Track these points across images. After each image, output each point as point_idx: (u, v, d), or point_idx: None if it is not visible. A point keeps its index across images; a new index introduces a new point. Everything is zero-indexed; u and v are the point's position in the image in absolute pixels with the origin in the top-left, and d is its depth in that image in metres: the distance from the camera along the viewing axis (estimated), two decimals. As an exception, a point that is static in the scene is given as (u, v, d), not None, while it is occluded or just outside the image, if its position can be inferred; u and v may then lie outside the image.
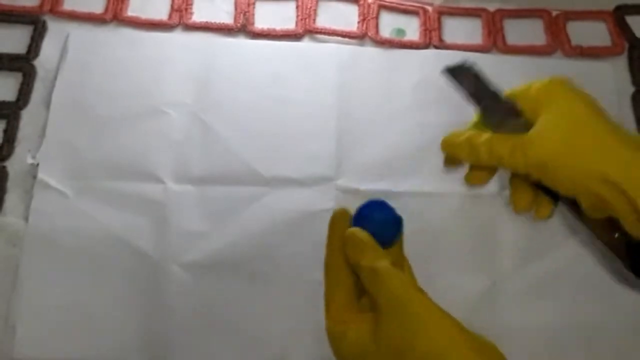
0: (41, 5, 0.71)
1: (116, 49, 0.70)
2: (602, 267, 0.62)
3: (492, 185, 0.63)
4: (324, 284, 0.46)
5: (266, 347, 0.58)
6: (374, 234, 0.45)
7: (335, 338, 0.45)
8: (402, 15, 0.74)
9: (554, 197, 0.47)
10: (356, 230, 0.45)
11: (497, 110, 0.48)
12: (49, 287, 0.59)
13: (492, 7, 0.74)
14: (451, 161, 0.51)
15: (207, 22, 0.72)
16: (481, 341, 0.43)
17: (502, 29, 0.73)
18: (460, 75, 0.49)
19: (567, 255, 0.62)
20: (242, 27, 0.71)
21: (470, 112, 0.68)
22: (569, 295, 0.60)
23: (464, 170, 0.61)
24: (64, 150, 0.64)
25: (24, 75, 0.68)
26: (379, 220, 0.46)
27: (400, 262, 0.47)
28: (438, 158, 0.64)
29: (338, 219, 0.47)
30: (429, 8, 0.74)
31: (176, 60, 0.69)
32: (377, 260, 0.44)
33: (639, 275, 0.51)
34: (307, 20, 0.72)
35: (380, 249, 0.45)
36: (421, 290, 0.43)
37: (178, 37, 0.71)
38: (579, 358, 0.59)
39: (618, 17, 0.73)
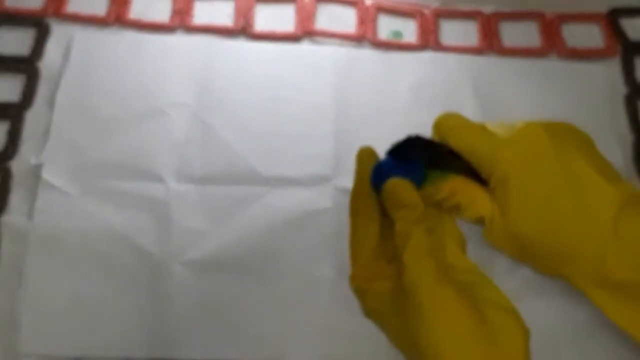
0: (45, 8, 0.71)
1: (119, 50, 0.69)
2: None
3: None
4: (349, 231, 0.45)
5: (266, 344, 0.58)
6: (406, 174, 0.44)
7: (358, 292, 0.44)
8: (400, 17, 0.73)
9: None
10: (397, 184, 0.44)
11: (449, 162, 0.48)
12: (53, 284, 0.59)
13: (488, 10, 0.74)
14: None
15: (208, 24, 0.71)
16: (492, 340, 0.41)
17: (497, 31, 0.72)
18: (405, 151, 0.47)
19: None
20: (243, 30, 0.71)
21: (465, 111, 0.69)
22: (563, 295, 0.60)
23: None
24: (68, 151, 0.64)
25: (28, 77, 0.67)
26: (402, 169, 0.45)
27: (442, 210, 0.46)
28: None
29: (365, 159, 0.46)
30: (426, 11, 0.73)
31: (177, 62, 0.69)
32: (414, 225, 0.42)
33: None
34: (306, 22, 0.72)
35: (419, 205, 0.43)
36: (442, 280, 0.41)
37: (179, 39, 0.71)
38: (574, 354, 0.59)
39: (611, 20, 0.73)
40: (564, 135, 0.46)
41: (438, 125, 0.49)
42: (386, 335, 0.44)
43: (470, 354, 0.39)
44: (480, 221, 0.47)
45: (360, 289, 0.44)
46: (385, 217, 0.45)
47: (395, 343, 0.43)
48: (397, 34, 0.72)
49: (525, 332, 0.41)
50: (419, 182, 0.45)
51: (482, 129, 0.47)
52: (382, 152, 0.47)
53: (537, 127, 0.46)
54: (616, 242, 0.43)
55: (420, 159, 0.46)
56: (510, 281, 0.61)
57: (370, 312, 0.44)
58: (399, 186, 0.44)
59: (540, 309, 0.60)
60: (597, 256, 0.43)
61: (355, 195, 0.46)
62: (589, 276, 0.44)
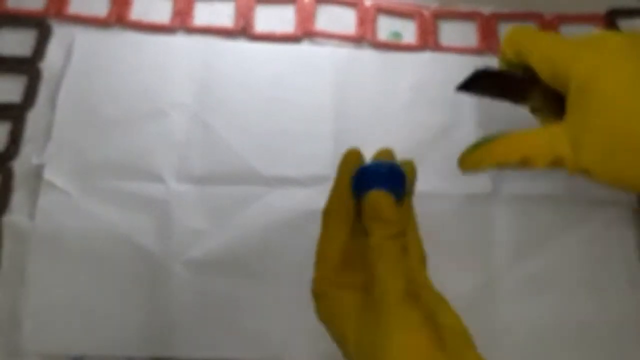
0: (46, 9, 0.71)
1: (120, 51, 0.69)
2: (596, 265, 0.62)
3: (487, 185, 0.64)
4: (320, 231, 0.44)
5: (265, 343, 0.58)
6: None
7: (319, 296, 0.43)
8: (399, 18, 0.73)
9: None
10: (379, 197, 0.42)
11: (533, 93, 0.45)
12: (54, 284, 0.59)
13: (487, 11, 0.74)
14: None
15: (208, 25, 0.71)
16: None
17: (496, 32, 0.72)
18: (475, 86, 0.47)
19: (561, 252, 0.62)
20: (243, 30, 0.71)
21: (464, 111, 0.69)
22: (563, 291, 0.60)
23: (458, 170, 0.60)
24: (69, 151, 0.64)
25: (30, 78, 0.67)
26: (386, 178, 0.44)
27: (410, 226, 0.44)
28: (434, 158, 0.64)
29: (350, 161, 0.45)
30: (426, 12, 0.73)
31: (178, 63, 0.69)
32: (389, 240, 0.41)
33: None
34: (306, 23, 0.71)
35: (398, 222, 0.42)
36: (411, 301, 0.40)
37: (180, 39, 0.71)
38: (573, 352, 0.58)
39: (609, 21, 0.73)
40: None
41: (510, 38, 0.46)
42: (337, 343, 0.43)
43: None
44: (556, 164, 0.44)
45: (321, 293, 0.43)
46: (358, 224, 0.44)
47: (346, 353, 0.42)
48: (397, 34, 0.72)
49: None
50: (401, 194, 0.44)
51: (557, 35, 0.44)
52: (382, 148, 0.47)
53: (616, 34, 0.43)
54: None
55: (491, 93, 0.45)
56: (511, 278, 0.61)
57: (327, 317, 0.43)
58: (381, 199, 0.42)
59: (539, 307, 0.60)
60: None
61: (334, 196, 0.45)
62: None
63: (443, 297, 0.42)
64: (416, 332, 0.39)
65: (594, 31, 0.42)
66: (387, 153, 0.47)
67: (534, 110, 0.54)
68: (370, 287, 0.40)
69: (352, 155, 0.45)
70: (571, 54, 0.42)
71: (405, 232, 0.43)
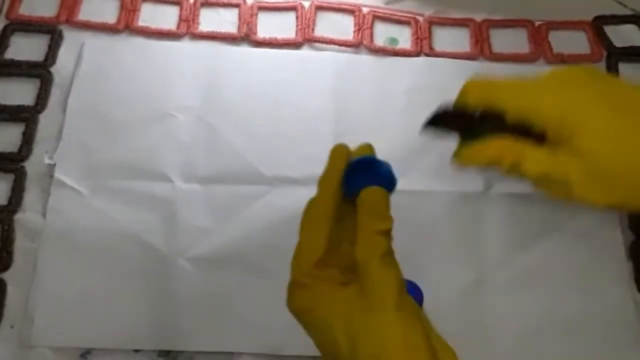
0: (58, 16, 0.71)
1: (128, 56, 0.69)
2: (584, 261, 0.62)
3: (479, 184, 0.64)
4: (301, 224, 0.43)
5: (267, 336, 0.58)
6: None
7: (295, 287, 0.41)
8: (395, 25, 0.73)
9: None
10: (377, 192, 0.41)
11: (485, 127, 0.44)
12: (64, 279, 0.59)
13: (479, 18, 0.74)
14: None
15: (212, 31, 0.72)
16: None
17: (488, 37, 0.73)
18: (440, 122, 0.45)
19: (550, 249, 0.62)
20: (246, 36, 0.71)
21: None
22: (552, 286, 0.60)
23: (451, 170, 0.60)
24: (79, 152, 0.64)
25: (42, 82, 0.68)
26: (381, 174, 0.43)
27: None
28: (428, 158, 0.64)
29: (338, 156, 0.43)
30: (420, 18, 0.73)
31: (184, 67, 0.69)
32: (379, 235, 0.39)
33: None
34: (306, 29, 0.72)
35: (391, 219, 0.40)
36: (403, 300, 0.38)
37: (186, 45, 0.71)
38: (563, 346, 0.58)
39: (597, 27, 0.73)
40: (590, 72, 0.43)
41: (472, 88, 0.45)
42: (313, 337, 0.42)
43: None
44: (543, 177, 0.42)
45: (301, 283, 0.41)
46: (346, 218, 0.42)
47: (322, 349, 0.41)
48: (393, 40, 0.73)
49: None
50: (391, 188, 0.43)
51: (520, 81, 0.43)
52: (379, 150, 0.46)
53: (572, 70, 0.43)
54: None
55: (455, 130, 0.44)
56: (501, 274, 0.61)
57: (303, 308, 0.41)
58: (378, 195, 0.41)
59: (531, 301, 0.60)
60: None
61: (323, 189, 0.43)
62: None
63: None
64: (406, 333, 0.37)
65: (553, 68, 0.43)
66: (368, 148, 0.45)
67: None
68: (363, 281, 0.39)
69: (341, 150, 0.44)
70: (541, 98, 0.42)
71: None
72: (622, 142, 0.40)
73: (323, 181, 0.43)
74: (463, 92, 0.45)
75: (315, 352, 0.56)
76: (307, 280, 0.40)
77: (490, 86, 0.44)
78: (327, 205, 0.42)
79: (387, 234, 0.40)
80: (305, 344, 0.56)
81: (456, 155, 0.44)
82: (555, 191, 0.42)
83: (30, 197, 0.63)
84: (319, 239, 0.41)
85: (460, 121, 0.44)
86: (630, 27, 0.74)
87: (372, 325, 0.37)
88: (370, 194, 0.41)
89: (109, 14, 0.72)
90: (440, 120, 0.45)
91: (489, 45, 0.72)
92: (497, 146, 0.42)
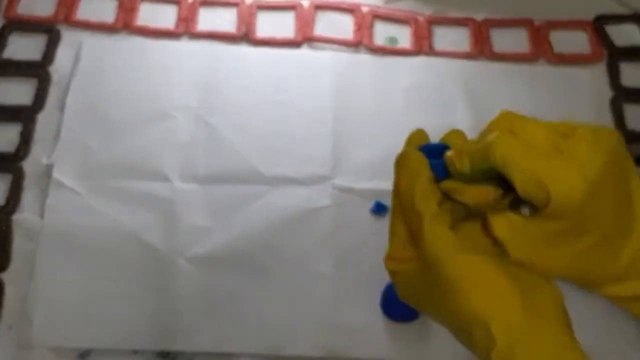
0: (56, 15, 0.72)
1: (126, 56, 0.70)
2: None
3: None
4: (391, 212, 0.42)
5: (267, 335, 0.58)
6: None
7: (391, 272, 0.42)
8: (395, 24, 0.74)
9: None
10: (413, 156, 0.40)
11: None
12: (63, 279, 0.59)
13: (479, 17, 0.74)
14: None
15: (211, 31, 0.72)
16: (535, 298, 0.37)
17: (488, 37, 0.73)
18: None
19: None
20: (245, 36, 0.72)
21: (457, 112, 0.68)
22: None
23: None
24: (77, 151, 0.64)
25: (40, 81, 0.68)
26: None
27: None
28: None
29: (415, 140, 0.43)
30: (420, 18, 0.74)
31: (183, 67, 0.69)
32: (423, 198, 0.39)
33: None
34: (305, 29, 0.72)
35: (434, 187, 0.39)
36: (465, 250, 0.37)
37: (184, 45, 0.71)
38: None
39: (597, 27, 0.74)
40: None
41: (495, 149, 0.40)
42: (426, 312, 0.42)
43: (509, 311, 0.36)
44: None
45: (391, 270, 0.42)
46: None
47: (437, 320, 0.41)
48: (392, 39, 0.73)
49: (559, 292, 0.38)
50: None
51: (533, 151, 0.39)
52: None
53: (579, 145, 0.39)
54: None
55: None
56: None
57: (404, 294, 0.42)
58: (411, 158, 0.41)
59: None
60: None
61: (412, 180, 0.41)
62: None
63: None
64: (479, 274, 0.37)
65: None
66: (420, 134, 0.45)
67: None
68: (421, 249, 0.38)
69: (419, 136, 0.44)
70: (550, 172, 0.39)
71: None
72: None
73: (411, 172, 0.41)
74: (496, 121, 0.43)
75: (314, 352, 0.57)
76: (396, 268, 0.41)
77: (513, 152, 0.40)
78: (415, 198, 0.41)
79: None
80: (305, 343, 0.58)
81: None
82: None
83: (28, 197, 0.63)
84: (400, 227, 0.41)
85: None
86: (631, 27, 0.74)
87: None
88: (454, 187, 0.40)
89: (107, 14, 0.73)
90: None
91: (489, 45, 0.73)
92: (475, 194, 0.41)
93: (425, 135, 0.44)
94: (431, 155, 0.42)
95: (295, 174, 0.64)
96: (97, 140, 0.65)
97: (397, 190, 0.42)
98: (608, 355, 0.58)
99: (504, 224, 0.39)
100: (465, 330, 0.37)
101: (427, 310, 0.42)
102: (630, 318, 0.60)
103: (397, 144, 0.63)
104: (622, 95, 0.70)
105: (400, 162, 0.42)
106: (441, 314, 0.40)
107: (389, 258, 0.42)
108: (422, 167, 0.40)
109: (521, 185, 0.37)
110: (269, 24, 0.73)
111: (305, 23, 0.72)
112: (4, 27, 0.71)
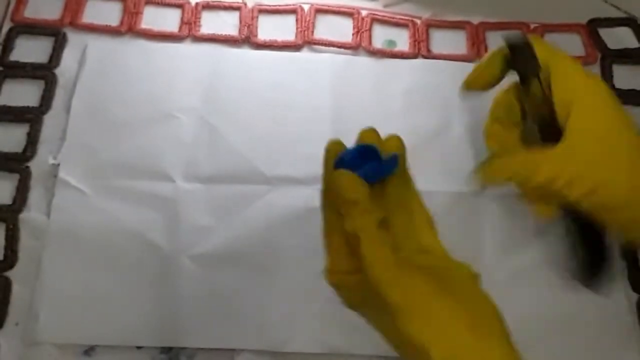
0: (62, 18, 0.72)
1: (131, 58, 0.70)
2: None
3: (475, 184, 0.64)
4: (322, 227, 0.43)
5: (270, 331, 0.58)
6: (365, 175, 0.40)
7: (333, 286, 0.41)
8: (393, 27, 0.74)
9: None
10: (342, 175, 0.39)
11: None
12: (69, 277, 0.59)
13: (475, 20, 0.74)
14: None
15: (214, 34, 0.72)
16: (480, 314, 0.38)
17: (484, 40, 0.73)
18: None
19: (545, 249, 0.62)
20: (246, 39, 0.72)
21: (454, 114, 0.68)
22: (547, 285, 0.60)
23: (449, 170, 0.60)
24: (83, 152, 0.65)
25: (46, 83, 0.68)
26: (370, 168, 0.41)
27: (401, 201, 0.42)
28: (425, 157, 0.64)
29: (332, 151, 0.42)
30: (418, 21, 0.74)
31: (186, 69, 0.69)
32: (361, 219, 0.38)
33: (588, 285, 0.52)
34: (305, 32, 0.72)
35: (361, 200, 0.39)
36: (404, 269, 0.38)
37: (187, 47, 0.71)
38: (556, 343, 0.58)
39: (591, 30, 0.74)
40: None
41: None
42: (372, 326, 0.42)
43: (452, 336, 0.36)
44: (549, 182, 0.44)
45: (333, 284, 0.41)
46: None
47: (381, 334, 0.41)
48: (391, 42, 0.73)
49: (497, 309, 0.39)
50: (378, 174, 0.42)
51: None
52: None
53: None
54: None
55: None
56: (498, 273, 0.61)
57: (350, 305, 0.42)
58: (341, 178, 0.40)
59: (528, 299, 0.60)
60: None
61: (323, 187, 0.43)
62: None
63: (449, 256, 0.42)
64: (419, 296, 0.37)
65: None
66: (335, 144, 0.44)
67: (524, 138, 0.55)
68: (363, 268, 0.39)
69: (333, 146, 0.43)
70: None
71: (386, 206, 0.41)
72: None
73: (322, 181, 0.43)
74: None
75: (314, 348, 0.58)
76: (338, 281, 0.41)
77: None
78: (329, 204, 0.42)
79: (364, 212, 0.39)
80: (306, 340, 0.58)
81: (478, 174, 0.45)
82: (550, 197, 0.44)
83: (35, 196, 0.63)
84: (334, 239, 0.41)
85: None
86: (624, 30, 0.74)
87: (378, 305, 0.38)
88: (332, 178, 0.41)
89: (112, 17, 0.72)
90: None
91: (486, 47, 0.72)
92: (517, 162, 0.44)
93: (341, 143, 0.43)
94: (356, 159, 0.41)
95: (295, 173, 0.64)
96: (102, 140, 0.65)
97: (330, 206, 0.41)
98: (600, 354, 0.59)
99: None
100: (408, 353, 0.37)
101: (374, 325, 0.41)
102: (621, 316, 0.60)
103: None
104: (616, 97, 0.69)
105: (333, 186, 0.40)
106: (385, 332, 0.40)
107: (329, 272, 0.41)
108: (356, 187, 0.39)
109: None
110: (270, 27, 0.72)
111: (305, 26, 0.72)
112: (11, 30, 0.71)
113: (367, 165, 0.41)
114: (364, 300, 0.40)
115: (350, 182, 0.39)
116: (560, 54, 0.51)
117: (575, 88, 0.47)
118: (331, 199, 0.41)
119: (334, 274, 0.41)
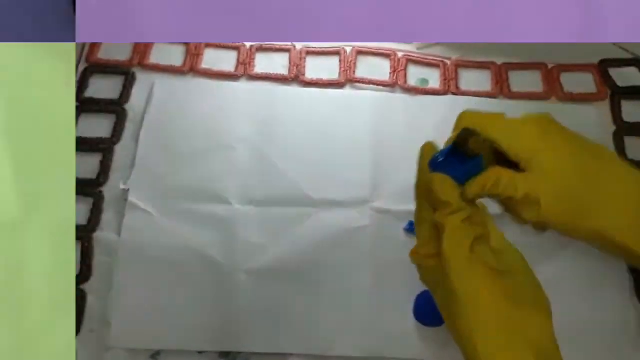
0: (131, 59, 0.74)
1: (192, 95, 0.72)
2: (590, 275, 0.62)
3: (496, 206, 0.65)
4: (414, 215, 0.44)
5: (317, 338, 0.60)
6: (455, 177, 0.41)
7: (417, 267, 0.44)
8: (426, 67, 0.75)
9: None
10: (437, 178, 0.41)
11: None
12: (137, 289, 0.61)
13: (499, 61, 0.75)
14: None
15: (266, 73, 0.74)
16: (522, 327, 0.39)
17: (507, 78, 0.74)
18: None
19: (558, 266, 0.63)
20: (295, 78, 0.74)
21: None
22: (562, 297, 0.57)
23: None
24: (150, 178, 0.66)
25: (117, 117, 0.70)
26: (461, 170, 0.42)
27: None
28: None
29: (425, 152, 0.44)
30: (448, 62, 0.75)
31: (241, 105, 0.71)
32: (451, 216, 0.40)
33: None
34: (348, 71, 0.74)
35: (453, 203, 0.41)
36: (474, 265, 0.39)
37: (243, 85, 0.74)
38: (571, 351, 0.55)
39: (602, 69, 0.75)
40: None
41: (464, 116, 0.47)
42: (438, 305, 0.44)
43: (499, 340, 0.38)
44: (524, 198, 0.43)
45: (415, 263, 0.44)
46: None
47: (443, 316, 0.43)
48: (424, 81, 0.75)
49: (550, 322, 0.41)
50: (468, 174, 0.43)
51: (496, 116, 0.46)
52: (412, 175, 0.47)
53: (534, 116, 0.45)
54: None
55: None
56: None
57: (425, 283, 0.44)
58: (436, 182, 0.42)
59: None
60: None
61: (417, 183, 0.44)
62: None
63: (524, 261, 0.42)
64: (482, 298, 0.39)
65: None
66: (428, 146, 0.45)
67: None
68: (441, 259, 0.41)
69: (427, 147, 0.45)
70: (518, 133, 0.45)
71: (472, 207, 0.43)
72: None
73: (417, 176, 0.44)
74: (459, 118, 0.48)
75: (357, 353, 0.59)
76: (419, 261, 0.43)
77: (480, 117, 0.47)
78: (421, 197, 0.43)
79: (453, 212, 0.41)
80: (348, 345, 0.59)
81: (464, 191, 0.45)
82: (528, 213, 0.44)
83: (107, 217, 0.65)
84: (422, 227, 0.43)
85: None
86: (632, 70, 0.75)
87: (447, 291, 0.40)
88: (427, 181, 0.43)
89: (176, 58, 0.75)
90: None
91: (508, 85, 0.74)
92: (494, 173, 0.44)
93: (434, 145, 0.45)
94: (449, 158, 0.43)
95: (339, 197, 0.66)
96: (167, 168, 0.67)
97: (422, 198, 0.43)
98: (607, 353, 0.59)
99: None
100: (458, 342, 0.40)
101: (440, 305, 0.43)
102: (629, 326, 0.60)
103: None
104: (623, 130, 0.71)
105: (428, 185, 0.42)
106: (446, 315, 0.42)
107: (413, 252, 0.44)
108: (449, 190, 0.41)
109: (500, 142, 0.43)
110: (317, 67, 0.75)
111: (348, 66, 0.74)
112: (86, 70, 0.73)
113: (459, 168, 0.43)
114: (436, 282, 0.42)
115: (445, 186, 0.42)
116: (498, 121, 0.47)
117: (529, 149, 0.44)
118: (423, 192, 0.43)
119: (417, 255, 0.43)
